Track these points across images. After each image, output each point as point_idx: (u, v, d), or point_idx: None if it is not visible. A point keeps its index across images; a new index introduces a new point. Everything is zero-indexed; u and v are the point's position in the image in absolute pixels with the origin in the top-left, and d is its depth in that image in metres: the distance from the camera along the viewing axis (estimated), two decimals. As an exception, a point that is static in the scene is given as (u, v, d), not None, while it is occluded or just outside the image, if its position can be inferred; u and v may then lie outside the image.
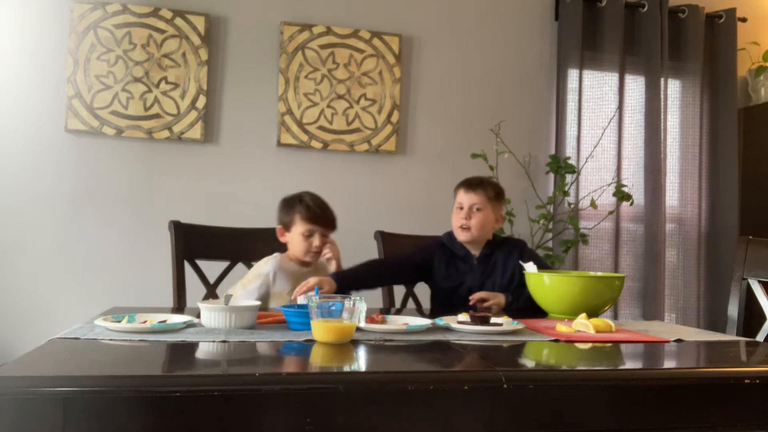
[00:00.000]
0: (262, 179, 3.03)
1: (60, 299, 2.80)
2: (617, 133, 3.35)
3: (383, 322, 1.55)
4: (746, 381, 1.18)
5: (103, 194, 2.89)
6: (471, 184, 2.21)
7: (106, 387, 0.96)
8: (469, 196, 2.18)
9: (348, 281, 1.96)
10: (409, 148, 3.23)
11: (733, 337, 1.70)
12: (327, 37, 3.10)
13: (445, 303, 2.17)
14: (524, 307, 2.02)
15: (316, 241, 2.05)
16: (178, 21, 2.95)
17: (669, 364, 1.41)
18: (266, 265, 2.05)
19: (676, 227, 3.44)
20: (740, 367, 1.30)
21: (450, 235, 2.25)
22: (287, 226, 2.10)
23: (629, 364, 1.37)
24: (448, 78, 3.29)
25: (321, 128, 3.08)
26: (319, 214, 2.06)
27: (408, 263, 2.24)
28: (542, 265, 2.11)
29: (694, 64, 3.41)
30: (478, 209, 2.17)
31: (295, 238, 2.07)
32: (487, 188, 2.20)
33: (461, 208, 2.19)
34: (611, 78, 3.36)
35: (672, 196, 3.43)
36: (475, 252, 2.21)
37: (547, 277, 1.92)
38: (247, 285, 2.02)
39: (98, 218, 2.88)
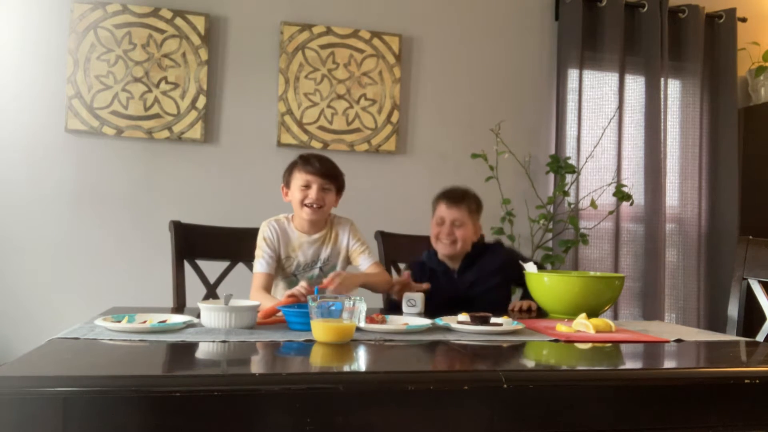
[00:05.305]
0: (262, 179, 3.02)
1: (60, 299, 2.80)
2: (617, 133, 3.35)
3: (383, 322, 1.55)
4: (746, 381, 1.18)
5: (103, 194, 2.89)
6: (453, 198, 2.13)
7: (106, 387, 0.96)
8: (451, 211, 2.10)
9: None
10: (409, 148, 3.23)
11: (733, 337, 1.70)
12: (327, 37, 3.10)
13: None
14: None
15: (312, 193, 1.95)
16: (178, 21, 2.94)
17: (669, 364, 1.41)
18: (265, 231, 2.01)
19: (676, 227, 3.44)
20: (740, 367, 1.30)
21: (429, 253, 2.19)
22: (288, 183, 2.04)
23: (629, 364, 1.37)
24: (448, 78, 3.29)
25: (321, 128, 3.08)
26: (317, 166, 1.97)
27: None
28: (520, 258, 2.11)
29: (694, 64, 3.41)
30: (459, 225, 2.10)
31: (295, 192, 1.99)
32: (470, 202, 2.13)
33: (441, 223, 2.11)
34: (611, 78, 3.35)
35: (672, 196, 3.43)
36: (454, 266, 2.16)
37: (547, 277, 1.92)
38: (258, 257, 2.01)
39: (98, 218, 2.88)
